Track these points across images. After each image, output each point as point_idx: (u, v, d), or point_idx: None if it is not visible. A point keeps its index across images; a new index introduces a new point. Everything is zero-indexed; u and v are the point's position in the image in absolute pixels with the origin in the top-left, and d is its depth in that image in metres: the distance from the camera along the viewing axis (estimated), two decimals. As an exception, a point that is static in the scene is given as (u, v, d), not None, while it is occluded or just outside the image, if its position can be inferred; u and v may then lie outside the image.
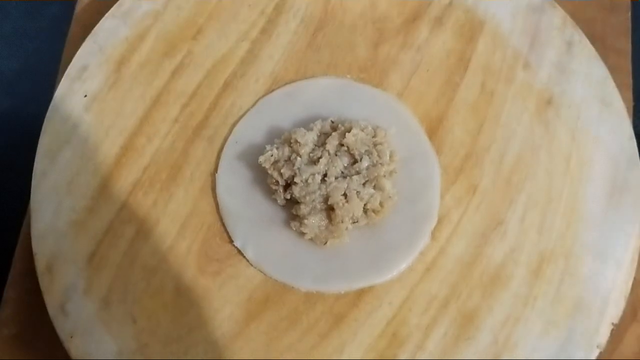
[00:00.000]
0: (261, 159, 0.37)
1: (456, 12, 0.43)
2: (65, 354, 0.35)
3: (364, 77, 0.42)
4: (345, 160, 0.37)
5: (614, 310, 0.36)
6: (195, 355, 0.35)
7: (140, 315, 0.36)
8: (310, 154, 0.37)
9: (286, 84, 0.42)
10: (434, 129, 0.40)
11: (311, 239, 0.37)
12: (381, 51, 0.42)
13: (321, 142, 0.38)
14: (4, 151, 0.47)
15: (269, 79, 0.42)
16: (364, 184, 0.37)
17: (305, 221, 0.36)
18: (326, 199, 0.36)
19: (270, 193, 0.38)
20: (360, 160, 0.37)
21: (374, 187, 0.37)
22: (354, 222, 0.37)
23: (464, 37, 0.43)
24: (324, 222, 0.37)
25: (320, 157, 0.37)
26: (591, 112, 0.41)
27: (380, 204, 0.37)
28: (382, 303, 0.36)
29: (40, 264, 0.37)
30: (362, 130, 0.38)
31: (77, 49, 0.43)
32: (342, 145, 0.37)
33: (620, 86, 0.42)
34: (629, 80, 0.44)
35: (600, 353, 0.35)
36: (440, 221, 0.38)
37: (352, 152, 0.37)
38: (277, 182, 0.37)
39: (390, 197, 0.37)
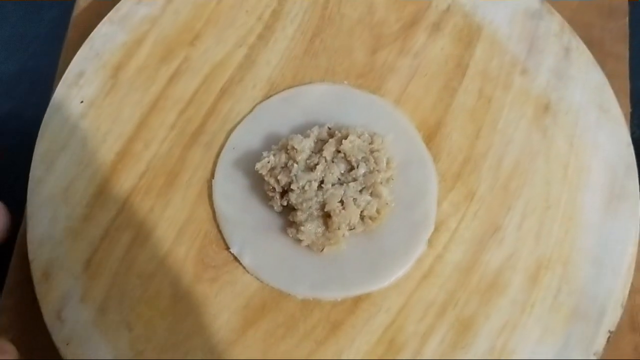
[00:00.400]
0: (258, 165, 0.37)
1: (454, 18, 0.43)
2: (62, 361, 0.35)
3: (361, 83, 0.42)
4: (342, 167, 0.37)
5: (611, 317, 0.36)
6: (192, 363, 0.35)
7: (137, 322, 0.36)
8: (307, 161, 0.37)
9: (283, 89, 0.42)
10: (431, 135, 0.40)
11: (308, 246, 0.37)
12: (379, 57, 0.42)
13: (318, 149, 0.38)
14: (1, 156, 0.47)
15: (266, 85, 0.42)
16: (360, 191, 0.37)
17: (302, 228, 0.36)
18: (323, 205, 0.36)
19: (267, 200, 0.38)
20: (357, 167, 0.37)
21: (371, 194, 0.37)
22: (350, 229, 0.37)
23: (461, 42, 0.43)
24: (321, 229, 0.37)
25: (317, 164, 0.37)
26: (589, 118, 0.41)
27: (377, 210, 0.37)
28: (379, 310, 0.36)
29: (36, 271, 0.37)
30: (359, 137, 0.38)
31: (74, 53, 0.43)
32: (339, 152, 0.37)
33: (618, 92, 0.42)
34: (626, 86, 0.44)
35: (598, 360, 0.35)
36: (437, 228, 0.38)
37: (349, 158, 0.37)
38: (274, 188, 0.37)
39: (387, 203, 0.37)
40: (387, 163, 0.37)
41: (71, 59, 0.43)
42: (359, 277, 0.37)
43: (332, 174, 0.37)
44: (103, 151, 0.40)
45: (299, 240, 0.37)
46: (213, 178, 0.39)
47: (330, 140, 0.38)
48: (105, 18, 0.43)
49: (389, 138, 0.38)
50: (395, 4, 0.44)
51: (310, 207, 0.36)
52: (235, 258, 0.37)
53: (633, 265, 0.37)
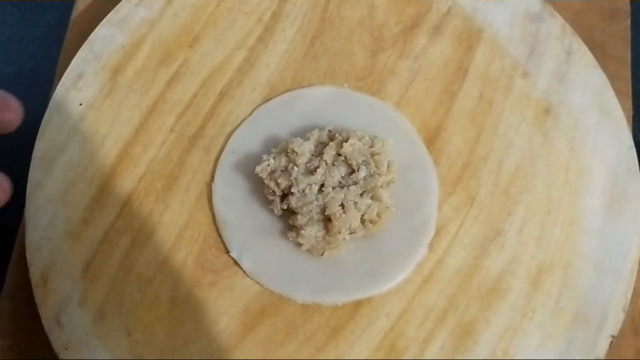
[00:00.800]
0: (258, 169, 0.37)
1: (454, 21, 0.43)
2: (60, 366, 0.35)
3: (361, 86, 0.42)
4: (342, 171, 0.37)
5: (613, 322, 0.36)
6: (191, 368, 0.35)
7: (136, 327, 0.36)
8: (307, 164, 0.37)
9: (283, 92, 0.42)
10: (431, 139, 0.40)
11: (308, 250, 0.37)
12: (379, 60, 0.42)
13: (318, 152, 0.38)
14: (-1, 159, 0.47)
15: (266, 88, 0.42)
16: (361, 195, 0.37)
17: (302, 232, 0.36)
18: (323, 209, 0.36)
19: (267, 203, 0.38)
20: (358, 170, 0.37)
21: (372, 198, 0.37)
22: (351, 233, 0.37)
23: (462, 45, 0.43)
24: (321, 233, 0.37)
25: (318, 167, 0.37)
26: (590, 121, 0.40)
27: (378, 214, 0.37)
28: (380, 315, 0.36)
29: (34, 275, 0.37)
30: (360, 140, 0.37)
31: (73, 55, 0.43)
32: (339, 155, 0.37)
33: (619, 94, 0.42)
34: (628, 89, 0.44)
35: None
36: (438, 232, 0.38)
37: (349, 162, 0.37)
38: (274, 192, 0.37)
39: (387, 207, 0.37)
40: (388, 166, 0.37)
41: (70, 61, 0.42)
42: (359, 282, 0.37)
43: (333, 177, 0.37)
44: (102, 154, 0.40)
45: (299, 244, 0.36)
46: (212, 181, 0.39)
47: (331, 143, 0.37)
48: (104, 20, 0.43)
49: (390, 141, 0.38)
50: (396, 7, 0.44)
51: (310, 211, 0.36)
52: (235, 262, 0.37)
53: (635, 269, 0.37)
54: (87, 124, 0.41)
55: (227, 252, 0.37)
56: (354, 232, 0.37)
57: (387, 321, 0.36)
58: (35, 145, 0.40)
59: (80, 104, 0.41)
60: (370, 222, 0.37)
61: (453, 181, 0.39)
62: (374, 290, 0.37)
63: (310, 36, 0.43)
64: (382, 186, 0.37)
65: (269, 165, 0.37)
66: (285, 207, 0.37)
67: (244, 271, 0.37)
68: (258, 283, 0.37)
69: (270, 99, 0.41)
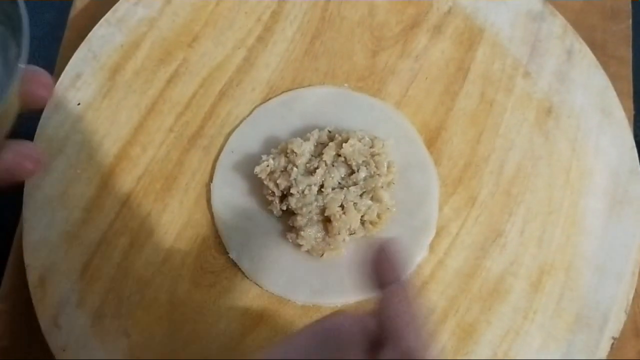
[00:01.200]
0: (257, 169, 0.37)
1: (455, 21, 0.43)
2: (58, 368, 0.35)
3: (361, 86, 0.41)
4: (342, 171, 0.37)
5: (615, 324, 0.36)
6: (190, 370, 0.35)
7: (134, 328, 0.36)
8: (307, 165, 0.37)
9: (283, 92, 0.41)
10: (432, 139, 0.40)
11: (308, 251, 0.37)
12: (379, 60, 0.42)
13: (318, 153, 0.37)
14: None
15: (266, 88, 0.41)
16: (361, 195, 0.36)
17: (302, 233, 0.36)
18: (323, 210, 0.36)
19: (266, 204, 0.38)
20: (358, 171, 0.37)
21: (372, 199, 0.36)
22: (351, 234, 0.36)
23: (463, 45, 0.42)
24: (321, 234, 0.36)
25: (317, 168, 0.36)
26: (591, 122, 0.40)
27: (378, 215, 0.36)
28: (380, 316, 0.36)
29: (32, 276, 0.37)
30: (360, 141, 0.37)
31: (71, 54, 0.42)
32: (339, 155, 0.37)
33: (621, 94, 0.42)
34: (629, 89, 0.44)
35: (601, 367, 0.35)
36: (438, 233, 0.38)
37: (349, 162, 0.37)
38: (273, 193, 0.37)
39: (388, 208, 0.37)
40: (388, 167, 0.37)
41: (68, 60, 0.42)
42: (359, 283, 0.36)
43: (332, 178, 0.36)
44: (100, 154, 0.40)
45: (299, 245, 0.36)
46: (211, 182, 0.39)
47: (331, 143, 0.37)
48: (103, 19, 0.43)
49: (390, 142, 0.38)
50: (396, 6, 0.43)
51: (310, 212, 0.36)
52: (234, 263, 0.37)
53: (637, 271, 0.37)
54: (85, 124, 0.40)
55: (226, 253, 0.37)
56: (354, 233, 0.37)
57: (388, 323, 0.36)
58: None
59: (79, 104, 0.41)
60: (371, 223, 0.37)
61: (454, 182, 0.39)
62: (375, 292, 0.36)
63: (310, 36, 0.43)
64: (382, 187, 0.36)
65: (268, 166, 0.37)
66: (284, 207, 0.37)
67: (243, 272, 0.37)
68: (257, 284, 0.37)
69: (269, 99, 0.41)
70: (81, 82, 0.41)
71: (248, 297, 0.36)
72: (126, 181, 0.39)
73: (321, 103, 0.41)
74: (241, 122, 0.40)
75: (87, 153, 0.40)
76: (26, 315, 0.37)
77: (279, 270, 0.37)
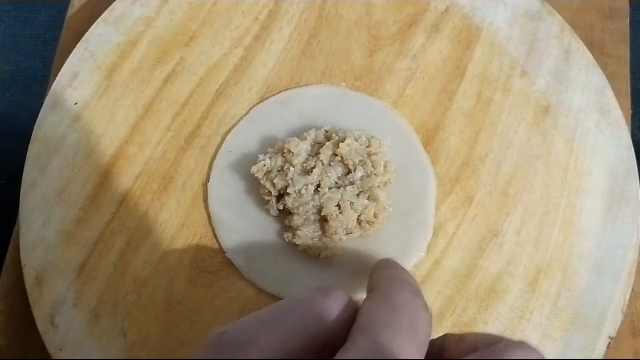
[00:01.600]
0: (254, 169, 0.37)
1: (453, 20, 0.43)
2: (55, 368, 0.35)
3: (359, 85, 0.41)
4: (339, 171, 0.37)
5: (612, 323, 0.36)
6: (186, 370, 0.35)
7: (131, 328, 0.36)
8: (304, 164, 0.37)
9: (280, 92, 0.41)
10: (430, 139, 0.40)
11: (304, 251, 0.37)
12: (377, 59, 0.42)
13: (315, 152, 0.37)
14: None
15: (263, 87, 0.41)
16: (358, 195, 0.36)
17: (299, 232, 0.36)
18: (320, 210, 0.36)
19: (263, 204, 0.38)
20: (355, 170, 0.37)
21: (369, 198, 0.36)
22: (348, 234, 0.36)
23: (460, 45, 0.42)
24: (318, 234, 0.36)
25: (314, 168, 0.36)
26: (589, 122, 0.40)
27: (375, 215, 0.36)
28: (377, 316, 0.36)
29: (29, 276, 0.37)
30: (357, 141, 0.37)
31: (69, 54, 0.42)
32: (336, 155, 0.37)
33: (619, 94, 0.41)
34: (628, 88, 0.44)
35: (598, 368, 0.35)
36: (435, 233, 0.38)
37: (346, 162, 0.37)
38: (270, 192, 0.37)
39: (385, 208, 0.37)
40: (385, 167, 0.37)
41: (65, 60, 0.42)
42: (356, 283, 0.36)
43: (329, 177, 0.36)
44: (97, 154, 0.40)
45: (296, 245, 0.36)
46: (208, 182, 0.39)
47: (328, 143, 0.37)
48: (100, 19, 0.43)
49: (387, 141, 0.38)
50: (394, 6, 0.43)
51: (307, 212, 0.36)
52: (231, 263, 0.37)
53: (634, 271, 0.37)
54: (82, 124, 0.40)
55: (223, 252, 0.37)
56: (351, 233, 0.36)
57: (384, 323, 0.36)
58: (30, 145, 0.40)
59: (76, 103, 0.41)
60: (367, 222, 0.36)
61: (451, 181, 0.39)
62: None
63: (308, 35, 0.43)
64: (379, 187, 0.36)
65: (265, 166, 0.37)
66: (281, 207, 0.37)
67: (240, 272, 0.37)
68: (254, 284, 0.37)
69: (267, 98, 0.41)
70: (78, 82, 0.41)
71: (245, 296, 0.36)
72: (123, 181, 0.39)
73: (318, 103, 0.41)
74: (238, 121, 0.40)
75: (84, 152, 0.39)
76: (23, 315, 0.37)
77: (275, 270, 0.37)
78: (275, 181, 0.36)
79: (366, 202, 0.36)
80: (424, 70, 0.42)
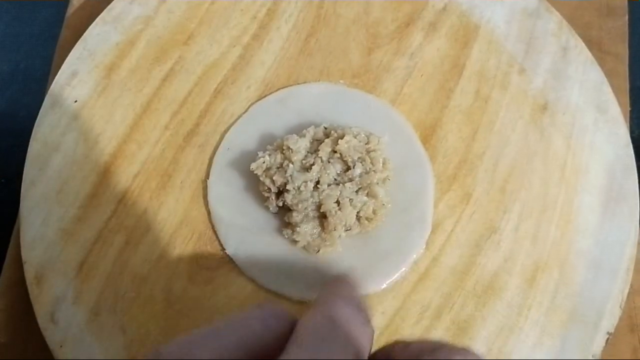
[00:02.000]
0: (253, 166, 0.37)
1: (450, 18, 0.43)
2: (55, 364, 0.35)
3: (357, 83, 0.41)
4: (338, 168, 0.37)
5: (610, 319, 0.36)
6: (186, 367, 0.35)
7: (130, 325, 0.36)
8: (303, 161, 0.37)
9: (278, 90, 0.41)
10: (427, 136, 0.40)
11: (304, 247, 0.37)
12: (375, 57, 0.42)
13: (314, 149, 0.38)
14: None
15: (261, 85, 0.41)
16: (357, 192, 0.36)
17: (298, 229, 0.36)
18: (319, 206, 0.36)
19: (262, 200, 0.38)
20: (353, 167, 0.37)
21: (367, 195, 0.37)
22: (346, 230, 0.36)
23: (458, 42, 0.42)
24: (317, 230, 0.36)
25: (313, 164, 0.37)
26: (587, 119, 0.40)
27: (374, 211, 0.36)
28: (375, 313, 0.36)
29: (29, 273, 0.37)
30: (355, 137, 0.37)
31: (68, 53, 0.42)
32: (334, 152, 0.37)
33: (617, 91, 0.41)
34: (625, 85, 0.44)
35: (595, 363, 0.35)
36: (433, 230, 0.38)
37: (345, 159, 0.37)
38: (269, 189, 0.37)
39: (383, 204, 0.37)
40: (384, 164, 0.37)
41: (64, 58, 0.42)
42: (355, 279, 0.37)
43: (328, 174, 0.36)
44: (96, 152, 0.40)
45: (295, 242, 0.36)
46: (207, 179, 0.39)
47: (326, 140, 0.37)
48: (99, 18, 0.43)
49: (385, 138, 0.38)
50: (392, 4, 0.43)
51: (306, 208, 0.36)
52: (230, 260, 0.37)
53: (632, 267, 0.37)
54: (81, 122, 0.40)
55: (223, 249, 0.37)
56: (350, 229, 0.37)
57: (383, 319, 0.36)
58: (30, 143, 0.40)
59: (75, 102, 0.41)
60: (366, 219, 0.37)
61: (449, 179, 0.39)
62: (370, 288, 0.36)
63: (306, 33, 0.43)
64: (377, 183, 0.37)
65: (264, 162, 0.37)
66: (280, 204, 0.37)
67: (239, 268, 0.37)
68: (253, 280, 0.37)
69: (265, 96, 0.41)
70: (77, 81, 0.41)
71: (244, 293, 0.36)
72: (122, 179, 0.39)
73: (317, 100, 0.41)
74: (237, 119, 0.41)
75: (83, 151, 0.40)
76: (24, 312, 0.37)
77: (275, 266, 0.37)
78: (274, 178, 0.36)
79: (365, 198, 0.36)
80: (422, 68, 0.42)
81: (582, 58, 0.42)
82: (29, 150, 0.40)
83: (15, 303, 0.38)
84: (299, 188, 0.36)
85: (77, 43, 0.42)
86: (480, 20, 0.43)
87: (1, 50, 0.51)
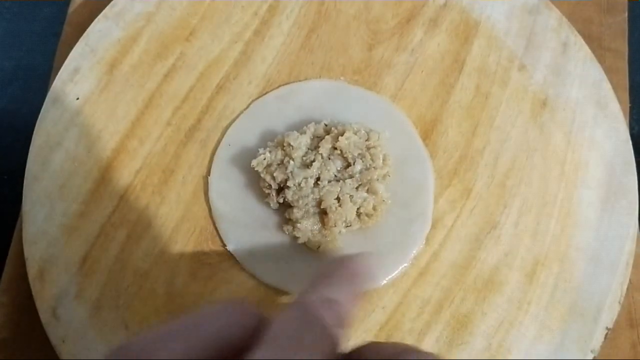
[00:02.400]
0: (254, 162, 0.37)
1: (451, 14, 0.43)
2: (58, 359, 0.35)
3: (357, 79, 0.42)
4: (338, 164, 0.37)
5: (609, 314, 0.36)
6: (187, 361, 0.35)
7: (132, 320, 0.36)
8: (303, 158, 0.37)
9: (279, 86, 0.41)
10: (428, 132, 0.40)
11: (304, 243, 0.37)
12: (375, 53, 0.42)
13: (314, 146, 0.38)
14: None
15: (262, 82, 0.42)
16: (357, 188, 0.37)
17: (298, 225, 0.36)
18: (319, 202, 0.36)
19: (263, 197, 0.38)
20: (354, 163, 0.37)
21: (367, 191, 0.37)
22: (347, 226, 0.37)
23: (458, 38, 0.42)
24: (317, 226, 0.37)
25: (313, 161, 0.37)
26: (586, 114, 0.40)
27: (374, 207, 0.37)
28: (376, 308, 0.36)
29: (31, 268, 0.37)
30: (355, 134, 0.37)
31: (70, 49, 0.43)
32: (335, 148, 0.37)
33: (616, 87, 0.42)
34: (625, 82, 0.44)
35: (594, 358, 0.35)
36: (434, 225, 0.38)
37: (345, 155, 0.37)
38: (270, 185, 0.37)
39: (383, 200, 0.37)
40: (384, 160, 0.37)
41: (66, 55, 0.42)
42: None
43: (329, 170, 0.37)
44: (98, 148, 0.40)
45: (295, 238, 0.37)
46: (209, 175, 0.39)
47: (327, 137, 0.37)
48: (101, 14, 0.43)
49: (386, 135, 0.38)
50: (392, 0, 0.43)
51: (306, 204, 0.36)
52: (231, 255, 0.37)
53: (631, 262, 0.37)
54: (83, 118, 0.41)
55: (224, 245, 0.38)
56: (350, 225, 0.37)
57: (383, 314, 0.36)
58: (32, 139, 0.40)
59: (77, 98, 0.41)
60: (366, 215, 0.37)
61: (449, 174, 0.39)
62: (370, 283, 0.37)
63: (307, 29, 0.43)
64: (377, 179, 0.37)
65: (265, 159, 0.37)
66: (281, 200, 0.37)
67: (240, 264, 0.37)
68: (254, 276, 0.37)
69: (266, 92, 0.41)
70: (79, 77, 0.42)
71: (245, 288, 0.37)
72: (124, 174, 0.39)
73: (317, 96, 0.41)
74: (238, 115, 0.41)
75: (85, 146, 0.40)
76: (26, 307, 0.37)
77: (275, 262, 0.37)
78: (275, 174, 0.37)
79: (365, 194, 0.37)
80: (422, 63, 0.42)
81: (581, 54, 0.42)
82: (31, 146, 0.40)
83: (17, 298, 0.39)
84: (299, 184, 0.36)
85: (79, 39, 0.42)
86: (481, 16, 0.43)
87: (3, 47, 0.51)
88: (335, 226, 0.36)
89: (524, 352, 0.35)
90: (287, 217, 0.37)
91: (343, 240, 0.37)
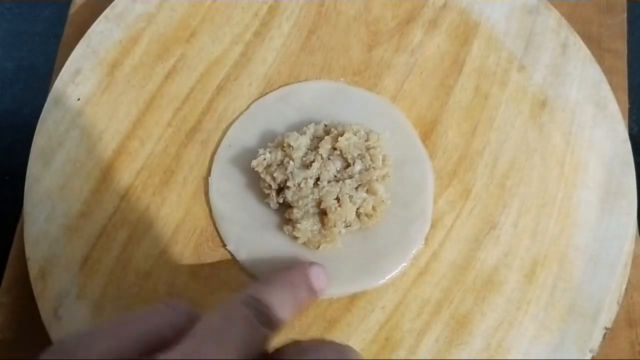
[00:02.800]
0: (254, 163, 0.37)
1: (451, 15, 0.43)
2: (58, 359, 0.35)
3: (357, 80, 0.42)
4: (338, 164, 0.37)
5: (608, 314, 0.36)
6: (188, 361, 0.35)
7: (133, 320, 0.36)
8: (303, 158, 0.37)
9: (279, 87, 0.42)
10: (427, 133, 0.40)
11: (304, 244, 0.37)
12: (375, 54, 0.42)
13: (314, 146, 0.38)
14: (-2, 154, 0.47)
15: (262, 83, 0.42)
16: (356, 188, 0.37)
17: (298, 225, 0.36)
18: (319, 203, 0.36)
19: (263, 197, 0.38)
20: (353, 164, 0.37)
21: (367, 191, 0.37)
22: (346, 227, 0.37)
23: (458, 39, 0.43)
24: (317, 226, 0.37)
25: (313, 161, 0.37)
26: (586, 115, 0.40)
27: (373, 208, 0.37)
28: (375, 308, 0.36)
29: (33, 269, 0.37)
30: (355, 134, 0.37)
31: (71, 50, 0.43)
32: (334, 149, 0.37)
33: (616, 88, 0.42)
34: (624, 82, 0.44)
35: (593, 357, 0.35)
36: (433, 225, 0.38)
37: (344, 156, 0.37)
38: (270, 186, 0.37)
39: (383, 201, 0.37)
40: (383, 160, 0.37)
41: (67, 56, 0.42)
42: (355, 275, 0.37)
43: (328, 171, 0.37)
44: (99, 149, 0.40)
45: (295, 238, 0.37)
46: (209, 176, 0.39)
47: (326, 137, 0.38)
48: (102, 15, 0.43)
49: (385, 135, 0.38)
50: (392, 1, 0.44)
51: (306, 205, 0.36)
52: (232, 256, 0.38)
53: (630, 262, 0.37)
54: (84, 119, 0.41)
55: (224, 245, 0.38)
56: (350, 226, 0.37)
57: (383, 314, 0.36)
58: (34, 140, 0.40)
59: (78, 99, 0.41)
60: (366, 215, 0.37)
61: (449, 175, 0.39)
62: (370, 283, 0.37)
63: (307, 30, 0.43)
64: (377, 180, 0.37)
65: (265, 159, 0.37)
66: (281, 200, 0.37)
67: (240, 264, 0.37)
68: (254, 276, 0.37)
69: (266, 93, 0.41)
70: (80, 78, 0.42)
71: (245, 288, 0.37)
72: (125, 175, 0.39)
73: (317, 97, 0.41)
74: (238, 116, 0.41)
75: (86, 147, 0.40)
76: (28, 308, 0.38)
77: (275, 262, 0.37)
78: (275, 175, 0.37)
79: (365, 195, 0.37)
80: (422, 64, 0.42)
81: (581, 55, 0.42)
82: (32, 146, 0.40)
83: (19, 299, 0.39)
84: (299, 185, 0.36)
85: (81, 41, 0.43)
86: (480, 17, 0.43)
87: (5, 48, 0.51)
88: (335, 226, 0.36)
89: (523, 352, 0.35)
90: (287, 217, 0.37)
91: (343, 240, 0.37)
